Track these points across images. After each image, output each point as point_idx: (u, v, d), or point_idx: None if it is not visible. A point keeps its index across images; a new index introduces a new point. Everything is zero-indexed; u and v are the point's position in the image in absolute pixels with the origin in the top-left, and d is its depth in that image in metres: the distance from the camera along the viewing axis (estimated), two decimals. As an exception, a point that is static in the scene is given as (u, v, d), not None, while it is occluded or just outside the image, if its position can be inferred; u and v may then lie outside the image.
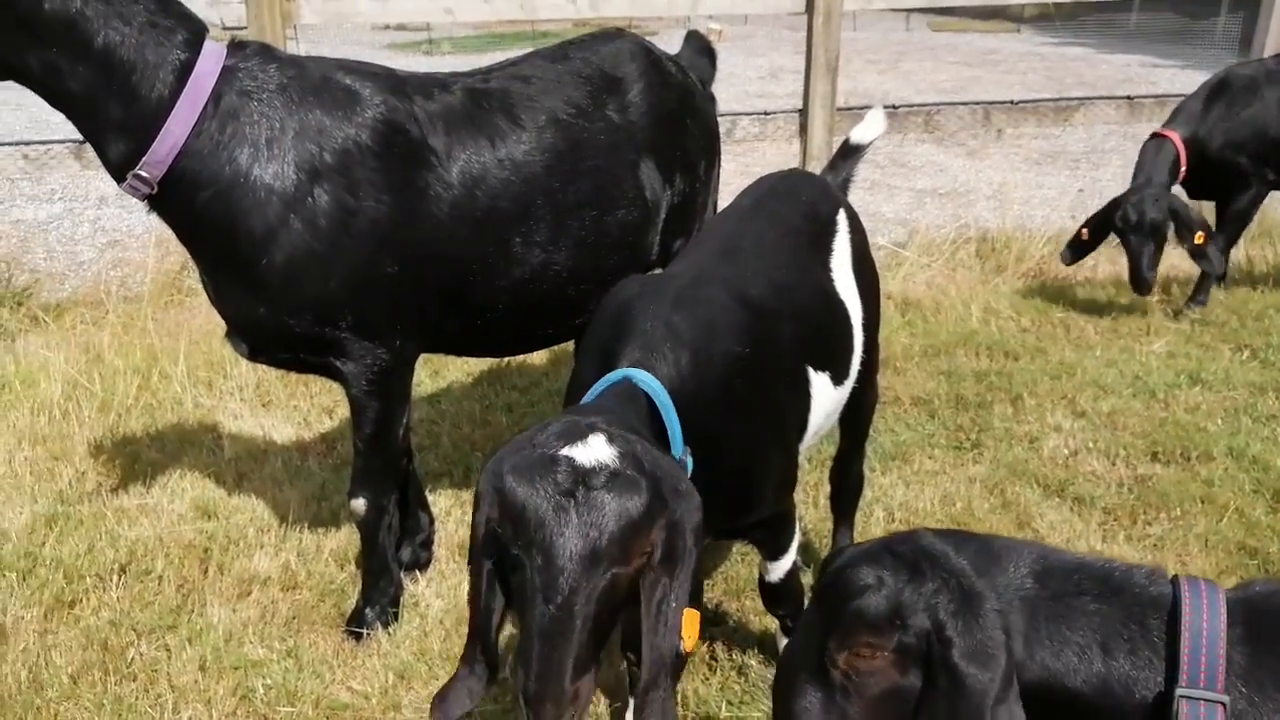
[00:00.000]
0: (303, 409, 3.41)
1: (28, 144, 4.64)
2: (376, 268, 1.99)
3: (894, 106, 5.54)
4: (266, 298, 1.95)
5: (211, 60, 1.84)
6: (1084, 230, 4.09)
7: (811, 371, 1.85)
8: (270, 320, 1.98)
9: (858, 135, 2.36)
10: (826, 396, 1.92)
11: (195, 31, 1.86)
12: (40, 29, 1.72)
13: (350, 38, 17.65)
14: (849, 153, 2.37)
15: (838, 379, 1.96)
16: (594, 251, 2.28)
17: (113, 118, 1.81)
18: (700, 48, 2.80)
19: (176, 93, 1.81)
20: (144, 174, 1.83)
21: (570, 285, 2.28)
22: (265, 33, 4.20)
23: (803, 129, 5.02)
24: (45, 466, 3.01)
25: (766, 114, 5.23)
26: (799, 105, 4.96)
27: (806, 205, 2.05)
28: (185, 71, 1.82)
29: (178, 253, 4.44)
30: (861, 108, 6.17)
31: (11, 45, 1.74)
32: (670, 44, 2.85)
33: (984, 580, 1.16)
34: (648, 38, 2.62)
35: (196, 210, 1.88)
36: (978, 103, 5.59)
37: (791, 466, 1.86)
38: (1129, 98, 5.37)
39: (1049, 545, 1.28)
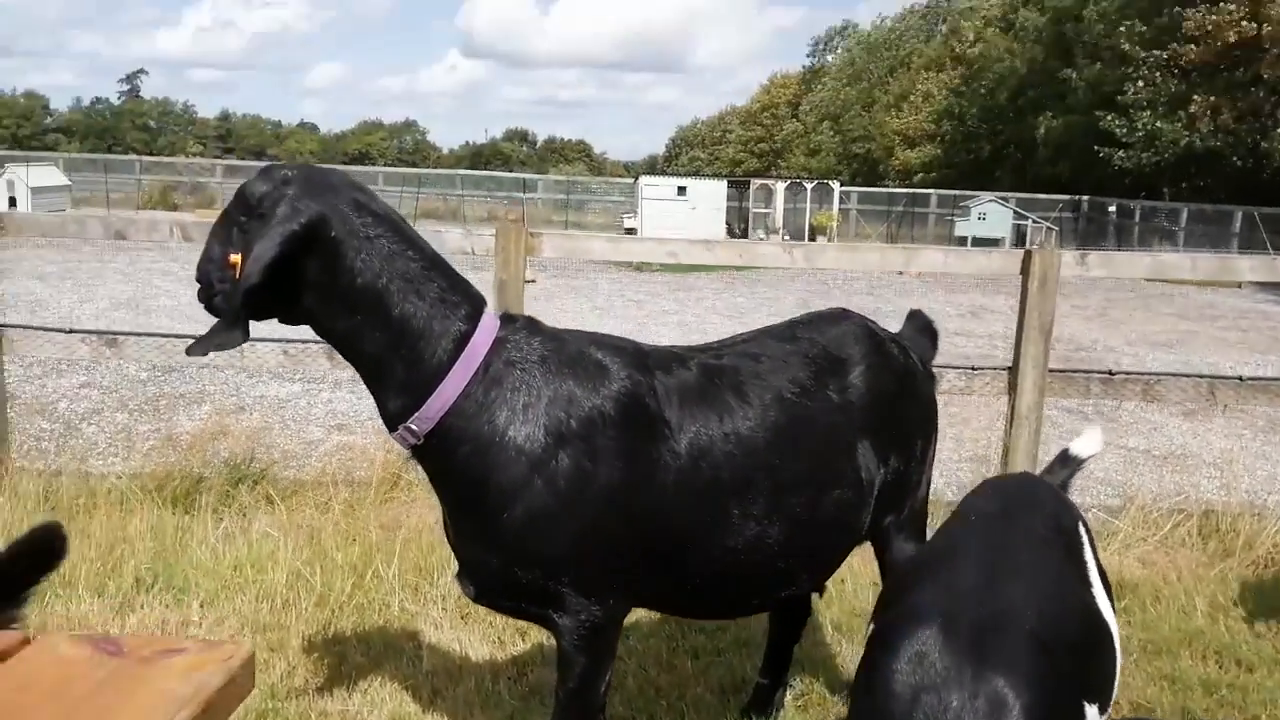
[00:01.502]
0: (498, 626, 3.51)
1: (289, 342, 5.21)
2: (604, 530, 2.10)
3: (1109, 372, 5.40)
4: (501, 548, 2.08)
5: (486, 333, 2.07)
6: None
7: (1085, 705, 1.71)
8: (501, 569, 2.10)
9: (1077, 449, 2.36)
10: None
11: (476, 306, 2.11)
12: (352, 300, 2.00)
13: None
14: (1068, 462, 2.36)
15: (1103, 708, 1.84)
16: (807, 528, 2.32)
17: (397, 377, 2.05)
18: (922, 326, 2.89)
19: (454, 359, 2.03)
20: (414, 427, 2.05)
21: (781, 559, 2.31)
22: (510, 263, 4.66)
23: (1012, 387, 4.96)
24: (262, 657, 3.21)
25: (974, 369, 5.21)
26: (999, 346, 4.95)
27: (1051, 517, 1.99)
28: (463, 341, 2.05)
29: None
30: (1074, 370, 6.06)
31: (326, 312, 2.03)
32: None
33: None
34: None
35: (454, 463, 2.07)
36: (1201, 376, 5.38)
37: None
38: (1378, 384, 5.03)
39: None
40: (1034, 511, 1.98)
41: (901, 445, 2.54)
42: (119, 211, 26.92)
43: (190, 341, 4.95)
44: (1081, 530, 2.03)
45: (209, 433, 5.81)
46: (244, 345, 2.04)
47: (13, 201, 26.28)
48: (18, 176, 26.95)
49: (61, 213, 26.53)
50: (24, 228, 5.07)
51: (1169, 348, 11.97)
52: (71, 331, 4.91)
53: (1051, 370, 4.98)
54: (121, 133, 72.04)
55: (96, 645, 1.21)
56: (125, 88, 79.88)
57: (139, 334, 5.04)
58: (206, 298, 2.09)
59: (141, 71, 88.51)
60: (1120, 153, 29.44)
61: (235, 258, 1.98)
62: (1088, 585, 1.87)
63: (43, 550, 1.51)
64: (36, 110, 75.02)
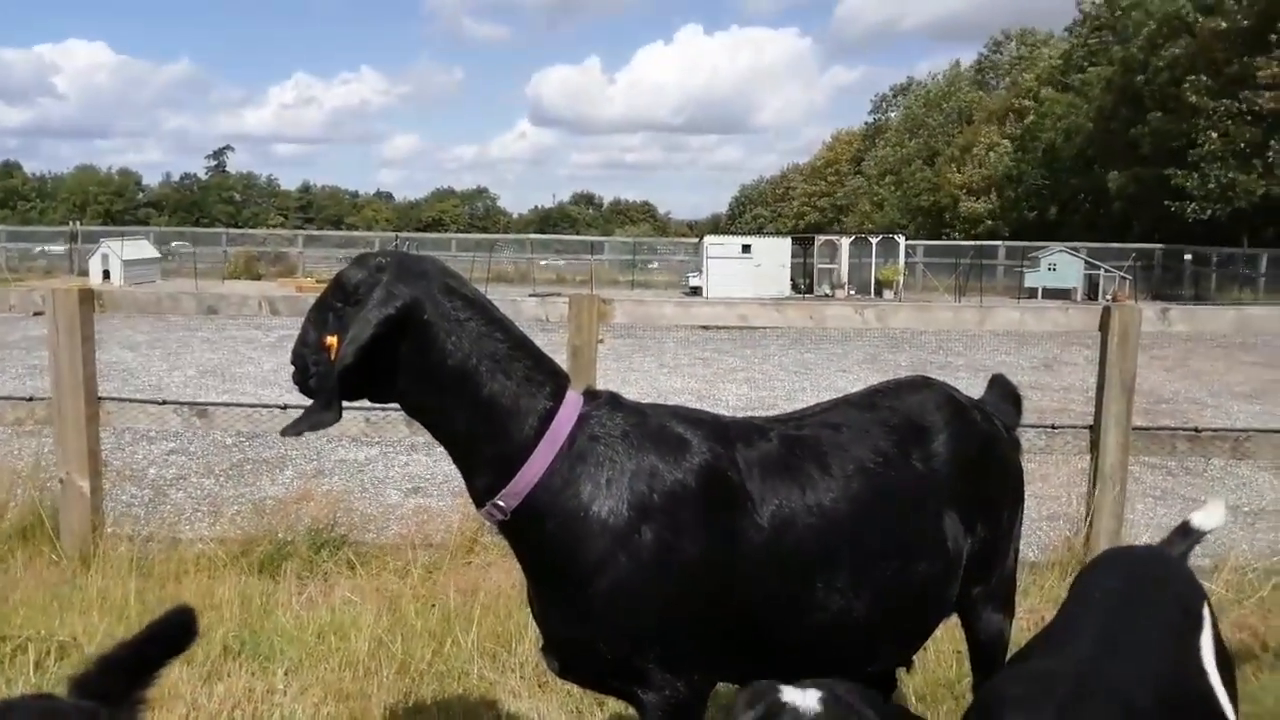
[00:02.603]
0: (575, 696, 3.50)
1: (370, 409, 5.35)
2: (688, 603, 2.10)
3: (1196, 430, 5.26)
4: (586, 622, 2.10)
5: (570, 409, 2.12)
6: None
7: None
8: (586, 643, 2.12)
9: (1199, 521, 2.30)
10: None
11: (560, 384, 2.15)
12: (442, 380, 2.06)
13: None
14: (1189, 533, 2.30)
15: None
16: (893, 600, 2.29)
17: (485, 454, 2.10)
18: (1005, 392, 2.85)
19: (539, 435, 2.08)
20: (501, 503, 2.09)
21: (866, 633, 2.28)
22: (583, 329, 4.75)
23: (1094, 446, 4.86)
24: (347, 726, 3.25)
25: (1054, 428, 5.12)
26: (1075, 399, 4.87)
27: (1178, 597, 1.95)
28: (549, 418, 2.09)
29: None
30: (1159, 428, 5.89)
31: (417, 392, 2.09)
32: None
33: None
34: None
35: (540, 538, 2.11)
36: (1295, 432, 5.19)
37: None
38: None
39: None
40: (1159, 592, 1.93)
41: (988, 514, 2.50)
42: (206, 281, 27.98)
43: (277, 411, 5.04)
44: (1206, 613, 1.96)
45: (292, 498, 5.96)
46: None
47: (106, 274, 27.54)
48: (112, 250, 28.28)
49: (153, 284, 27.62)
50: (121, 303, 5.31)
51: (1253, 399, 11.57)
52: (164, 403, 5.10)
53: (1135, 428, 4.87)
54: (209, 206, 75.27)
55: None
56: (212, 163, 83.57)
57: (228, 404, 5.22)
58: (301, 380, 2.17)
59: (228, 148, 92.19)
60: (1193, 206, 28.95)
61: (331, 340, 2.06)
62: (1203, 673, 1.81)
63: (175, 634, 1.57)
64: (130, 187, 78.88)
